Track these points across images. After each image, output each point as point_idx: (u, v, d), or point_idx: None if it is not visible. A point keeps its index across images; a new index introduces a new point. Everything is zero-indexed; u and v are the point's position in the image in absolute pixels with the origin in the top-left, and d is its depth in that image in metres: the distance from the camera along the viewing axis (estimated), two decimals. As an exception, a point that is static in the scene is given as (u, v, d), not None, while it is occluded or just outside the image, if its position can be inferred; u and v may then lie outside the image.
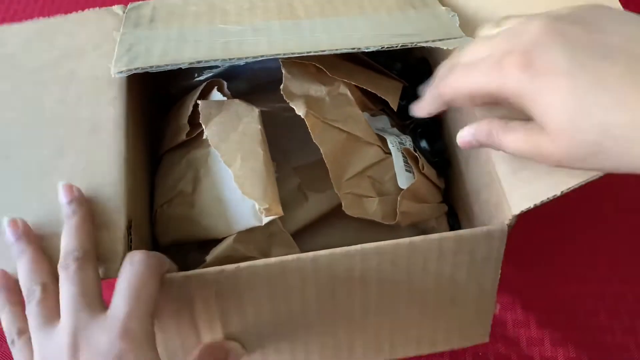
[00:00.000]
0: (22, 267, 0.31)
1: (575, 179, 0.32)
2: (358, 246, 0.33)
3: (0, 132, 0.36)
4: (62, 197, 0.33)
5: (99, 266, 0.31)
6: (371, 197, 0.39)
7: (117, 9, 0.41)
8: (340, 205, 0.40)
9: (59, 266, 0.30)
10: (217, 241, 0.38)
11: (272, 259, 0.33)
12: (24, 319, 0.30)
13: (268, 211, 0.35)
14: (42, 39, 0.40)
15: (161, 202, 0.40)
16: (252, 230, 0.36)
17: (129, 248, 0.33)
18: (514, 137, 0.30)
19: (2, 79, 0.38)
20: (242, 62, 0.45)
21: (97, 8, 0.41)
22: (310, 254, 0.33)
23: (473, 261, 0.36)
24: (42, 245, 0.32)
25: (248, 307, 0.36)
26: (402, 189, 0.40)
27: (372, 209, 0.39)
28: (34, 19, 0.41)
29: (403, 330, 0.41)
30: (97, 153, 0.35)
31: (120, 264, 0.31)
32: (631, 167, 0.25)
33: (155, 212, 0.40)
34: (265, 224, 0.36)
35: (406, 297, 0.38)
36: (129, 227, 0.33)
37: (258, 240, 0.37)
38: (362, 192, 0.39)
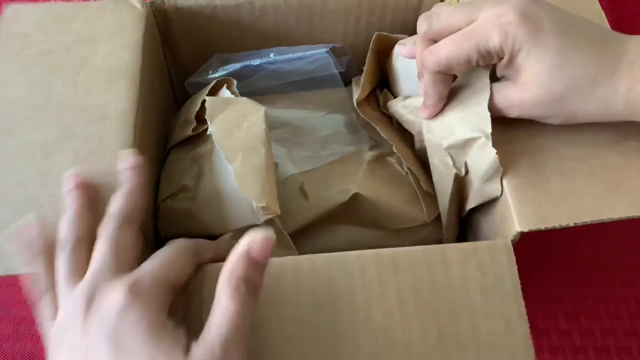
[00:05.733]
0: (65, 219, 0.31)
1: (589, 216, 0.32)
2: (355, 252, 0.32)
3: (6, 110, 0.36)
4: (124, 163, 0.33)
5: None
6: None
7: (135, 1, 0.41)
8: (340, 207, 0.39)
9: (99, 227, 0.31)
10: (217, 237, 0.37)
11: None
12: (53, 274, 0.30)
13: (265, 209, 0.34)
14: (57, 22, 0.39)
15: (165, 195, 0.40)
16: (250, 229, 0.36)
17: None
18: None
19: (12, 57, 0.38)
20: (256, 62, 0.45)
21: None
22: (308, 256, 0.32)
23: (485, 275, 0.34)
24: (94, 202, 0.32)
25: None
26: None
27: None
28: (51, 1, 0.41)
29: None
30: (103, 142, 0.35)
31: None
32: (580, 117, 0.32)
33: (158, 205, 0.40)
34: (264, 223, 0.35)
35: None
36: None
37: (255, 239, 0.37)
38: None
